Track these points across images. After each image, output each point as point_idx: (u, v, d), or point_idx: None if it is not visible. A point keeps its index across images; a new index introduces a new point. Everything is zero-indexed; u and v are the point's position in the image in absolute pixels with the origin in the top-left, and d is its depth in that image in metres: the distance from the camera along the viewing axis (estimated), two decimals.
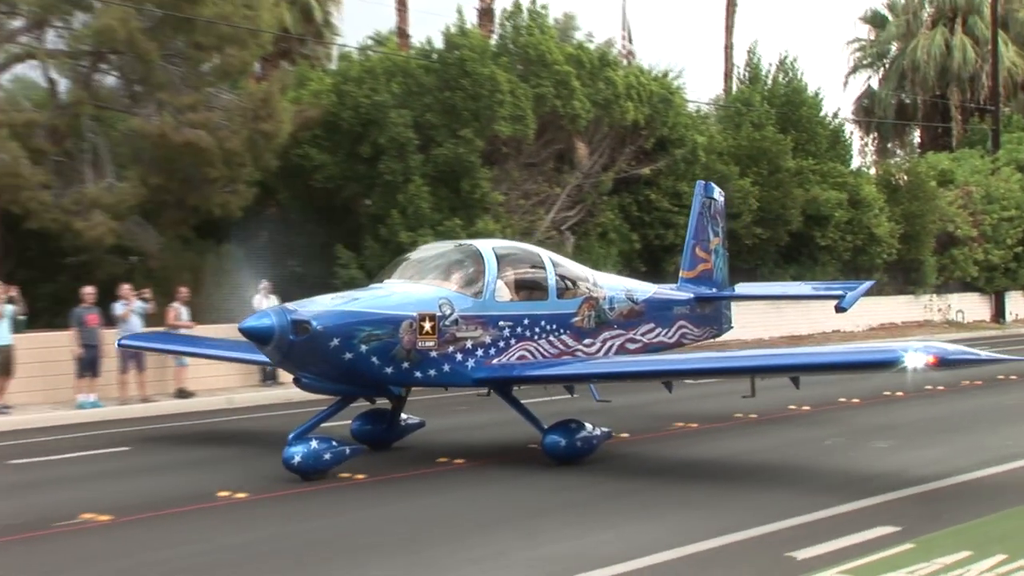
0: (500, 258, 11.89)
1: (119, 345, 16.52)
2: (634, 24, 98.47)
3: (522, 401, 12.08)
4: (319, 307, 10.72)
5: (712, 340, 16.98)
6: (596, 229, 27.32)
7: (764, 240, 30.59)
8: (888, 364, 9.93)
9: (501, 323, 11.58)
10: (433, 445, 12.84)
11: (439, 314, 11.03)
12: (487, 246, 12.20)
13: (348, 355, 10.49)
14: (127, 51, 19.83)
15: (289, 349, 10.43)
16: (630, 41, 36.99)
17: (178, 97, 20.29)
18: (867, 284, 17.49)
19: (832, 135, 35.03)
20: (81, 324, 17.22)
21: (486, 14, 30.09)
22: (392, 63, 25.11)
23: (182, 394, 18.40)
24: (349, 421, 12.73)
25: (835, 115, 36.20)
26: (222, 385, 19.57)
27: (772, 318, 30.46)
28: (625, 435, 13.28)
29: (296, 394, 18.40)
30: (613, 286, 13.47)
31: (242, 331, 10.56)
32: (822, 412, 15.71)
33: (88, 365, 17.24)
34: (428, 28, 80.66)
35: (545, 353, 11.99)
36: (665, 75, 29.47)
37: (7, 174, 18.65)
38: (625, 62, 32.74)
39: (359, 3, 41.96)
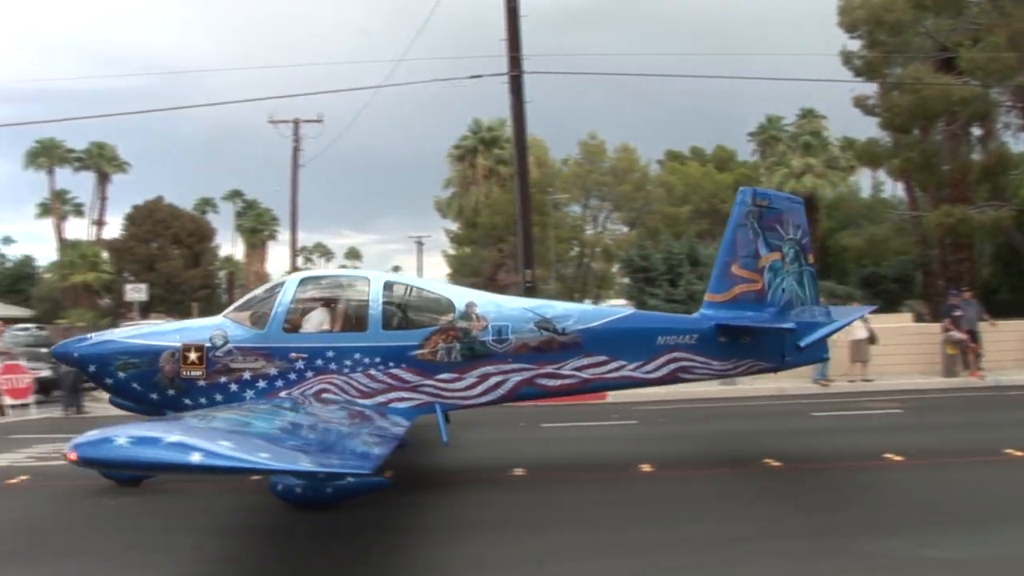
0: (309, 288, 12.06)
1: None
2: None
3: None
4: (95, 337, 12.14)
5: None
6: None
7: None
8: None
9: (292, 355, 11.46)
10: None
11: (208, 345, 11.42)
12: (295, 277, 12.32)
13: (108, 380, 11.66)
14: None
15: (83, 371, 12.58)
16: None
17: None
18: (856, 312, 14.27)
19: None
20: None
21: None
22: None
23: None
24: None
25: None
26: None
27: None
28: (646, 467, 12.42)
29: None
30: (510, 315, 11.98)
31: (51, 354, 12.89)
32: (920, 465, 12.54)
33: None
34: None
35: (362, 387, 11.53)
36: None
37: None
38: None
39: None
